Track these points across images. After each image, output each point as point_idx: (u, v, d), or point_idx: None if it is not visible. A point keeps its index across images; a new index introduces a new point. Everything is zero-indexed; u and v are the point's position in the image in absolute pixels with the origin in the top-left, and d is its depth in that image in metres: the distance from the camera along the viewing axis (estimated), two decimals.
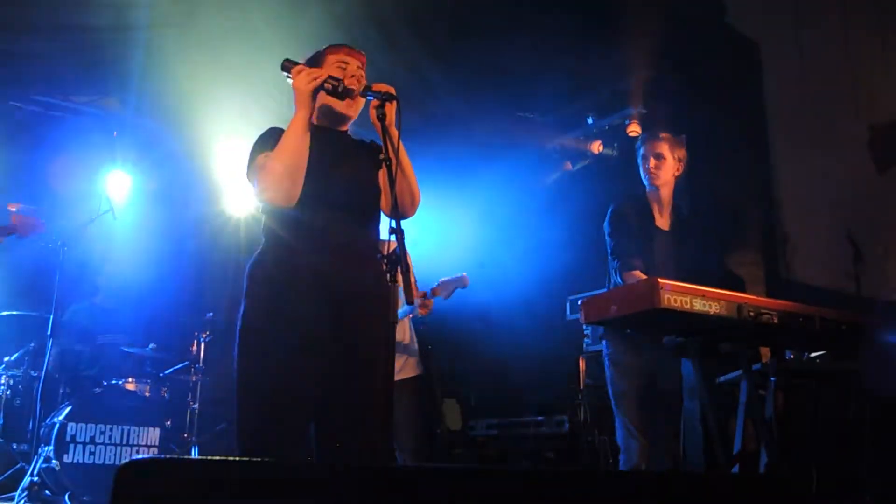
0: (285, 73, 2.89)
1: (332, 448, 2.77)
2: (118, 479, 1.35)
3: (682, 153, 4.14)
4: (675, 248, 4.06)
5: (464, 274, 4.76)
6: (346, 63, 2.97)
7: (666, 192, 4.12)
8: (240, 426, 2.69)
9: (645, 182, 4.15)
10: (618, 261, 3.95)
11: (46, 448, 5.42)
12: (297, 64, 2.89)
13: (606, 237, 4.09)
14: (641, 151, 4.16)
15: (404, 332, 4.98)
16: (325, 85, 2.82)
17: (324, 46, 3.04)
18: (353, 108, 2.95)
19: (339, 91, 2.84)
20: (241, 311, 2.78)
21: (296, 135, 2.77)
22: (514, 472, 1.90)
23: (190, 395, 6.40)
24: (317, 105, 2.90)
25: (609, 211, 4.13)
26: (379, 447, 2.65)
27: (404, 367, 4.90)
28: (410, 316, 4.86)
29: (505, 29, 5.90)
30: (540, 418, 5.98)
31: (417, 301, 4.68)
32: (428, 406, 5.68)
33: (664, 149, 4.09)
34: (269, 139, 2.85)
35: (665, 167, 4.08)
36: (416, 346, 5.02)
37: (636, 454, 3.75)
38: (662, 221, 4.12)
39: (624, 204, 4.13)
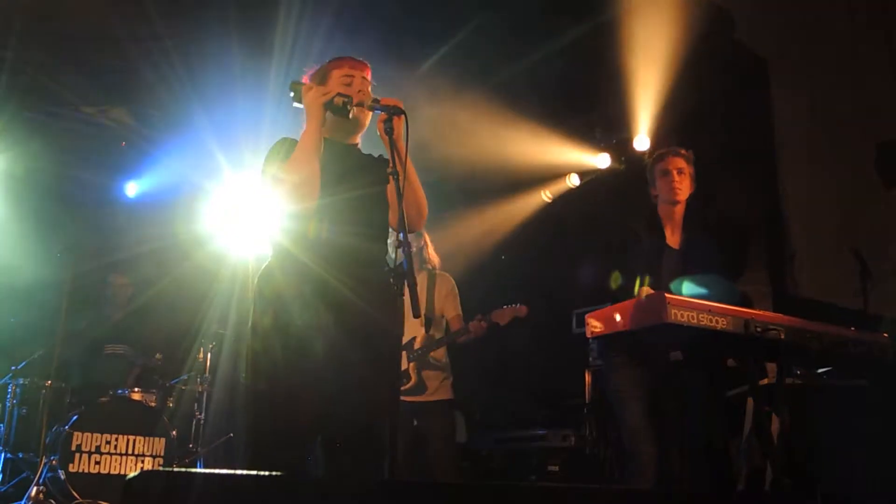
0: (292, 94, 2.92)
1: (339, 460, 2.78)
2: (127, 490, 1.36)
3: (694, 171, 4.13)
4: (684, 267, 4.04)
5: (523, 305, 4.87)
6: (352, 77, 3.00)
7: (680, 210, 4.10)
8: (247, 438, 2.70)
9: (664, 198, 4.10)
10: (628, 277, 3.94)
11: (52, 457, 5.43)
12: (303, 85, 2.93)
13: (618, 252, 4.07)
14: (660, 167, 4.11)
15: (442, 352, 5.05)
16: (335, 101, 2.86)
17: (327, 60, 3.06)
18: (362, 119, 2.98)
19: (346, 109, 2.87)
20: (250, 325, 2.80)
21: (308, 146, 2.81)
22: (519, 488, 1.90)
23: (196, 405, 6.40)
24: (326, 117, 2.94)
25: (620, 226, 4.11)
26: (386, 459, 2.66)
27: (439, 389, 4.97)
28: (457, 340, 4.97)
29: (513, 40, 5.92)
30: (545, 432, 5.96)
31: (471, 324, 4.84)
32: None
33: (684, 164, 4.08)
34: (282, 150, 2.87)
35: (686, 182, 4.06)
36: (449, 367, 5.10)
37: (645, 461, 3.72)
38: (673, 240, 4.10)
39: (636, 220, 4.11)
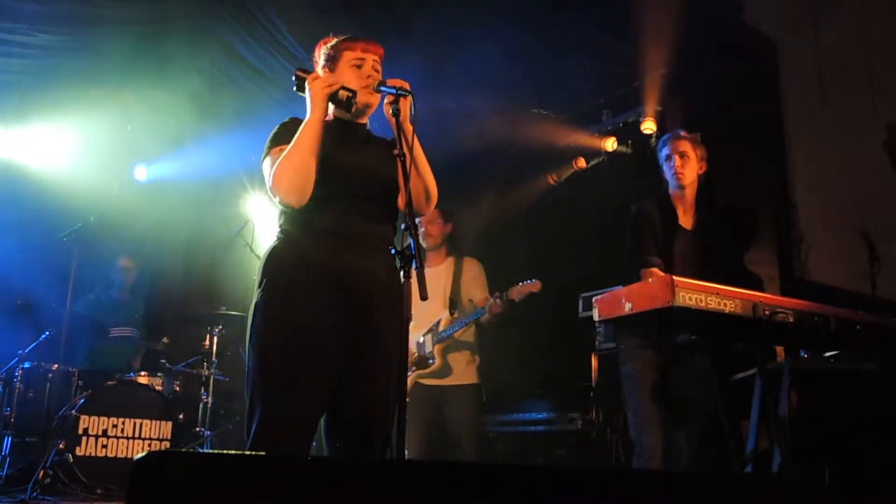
0: (295, 84, 2.88)
1: (343, 442, 2.77)
2: (136, 471, 1.35)
3: (702, 152, 4.11)
4: (697, 249, 4.03)
5: (537, 280, 4.87)
6: (363, 60, 2.94)
7: (690, 193, 4.09)
8: (250, 417, 2.68)
9: (670, 182, 4.10)
10: (638, 258, 3.92)
11: (59, 441, 5.45)
12: (309, 73, 2.88)
13: (629, 234, 4.05)
14: (665, 151, 4.11)
15: (471, 334, 5.10)
16: (339, 94, 2.83)
17: (340, 38, 3.00)
18: (371, 100, 2.94)
19: (350, 103, 2.84)
20: (254, 304, 2.78)
21: (308, 136, 2.76)
22: (526, 469, 1.89)
23: (202, 388, 6.43)
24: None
25: (633, 208, 4.09)
26: (391, 441, 2.65)
27: (464, 372, 5.02)
28: (480, 319, 4.99)
29: (520, 25, 5.88)
30: (551, 416, 5.96)
31: (489, 303, 4.86)
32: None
33: (687, 147, 4.06)
34: (285, 132, 2.84)
35: (690, 165, 4.05)
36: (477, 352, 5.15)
37: (650, 448, 3.72)
38: (686, 221, 4.08)
39: (648, 202, 4.09)
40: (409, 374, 4.95)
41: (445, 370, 4.97)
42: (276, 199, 2.79)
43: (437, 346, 4.96)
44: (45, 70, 6.38)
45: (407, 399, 4.86)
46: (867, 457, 4.08)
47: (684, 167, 4.04)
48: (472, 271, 5.17)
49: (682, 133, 4.16)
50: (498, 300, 4.83)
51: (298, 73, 2.89)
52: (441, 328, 4.99)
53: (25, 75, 6.46)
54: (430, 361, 4.97)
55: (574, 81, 6.57)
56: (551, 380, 6.38)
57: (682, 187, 4.06)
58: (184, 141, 7.62)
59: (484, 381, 5.16)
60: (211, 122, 7.28)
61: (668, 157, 4.08)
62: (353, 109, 2.88)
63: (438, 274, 5.12)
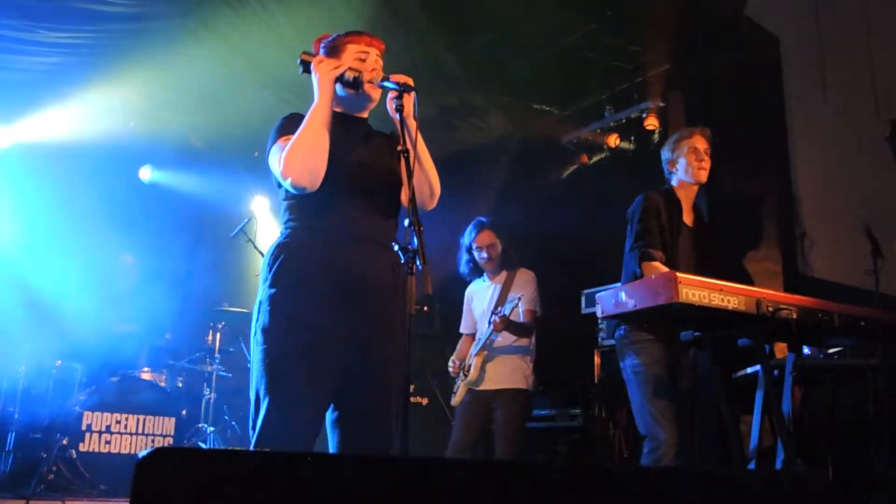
0: (301, 67, 2.87)
1: (348, 438, 2.77)
2: (140, 468, 1.35)
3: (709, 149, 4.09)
4: (698, 245, 4.02)
5: (520, 296, 4.90)
6: (367, 53, 2.93)
7: (696, 189, 4.08)
8: (255, 412, 2.68)
9: (687, 177, 4.05)
10: (640, 249, 3.89)
11: (62, 437, 5.45)
12: (313, 57, 2.88)
13: (633, 224, 4.01)
14: (686, 147, 4.07)
15: (525, 341, 5.10)
16: (346, 75, 2.82)
17: (343, 32, 2.99)
18: (373, 94, 2.92)
19: (357, 84, 2.83)
20: (259, 300, 2.77)
21: (318, 118, 2.74)
22: (526, 467, 1.89)
23: (205, 384, 6.43)
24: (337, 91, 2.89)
25: (639, 199, 4.06)
26: (394, 437, 2.66)
27: (507, 378, 5.00)
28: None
29: (522, 20, 5.87)
30: (553, 412, 5.96)
31: (492, 320, 4.88)
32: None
33: (707, 144, 4.05)
34: (290, 123, 2.82)
35: (708, 162, 4.04)
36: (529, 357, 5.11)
37: (666, 441, 3.68)
38: (688, 218, 4.07)
39: (655, 195, 4.06)
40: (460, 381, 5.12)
41: (488, 377, 5.01)
42: (288, 183, 2.73)
43: (475, 357, 5.02)
44: (47, 68, 6.38)
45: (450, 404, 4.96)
46: (871, 453, 4.08)
47: (708, 163, 4.02)
48: (520, 282, 5.16)
49: (707, 130, 4.13)
50: (497, 318, 4.84)
51: (304, 56, 2.89)
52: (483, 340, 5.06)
53: (28, 73, 6.45)
54: (463, 373, 5.07)
55: (577, 77, 6.56)
56: (553, 376, 6.37)
57: (699, 183, 4.04)
58: (187, 140, 7.62)
59: None
60: (215, 122, 7.27)
61: (694, 152, 4.03)
62: (361, 90, 2.86)
63: (494, 288, 5.20)
